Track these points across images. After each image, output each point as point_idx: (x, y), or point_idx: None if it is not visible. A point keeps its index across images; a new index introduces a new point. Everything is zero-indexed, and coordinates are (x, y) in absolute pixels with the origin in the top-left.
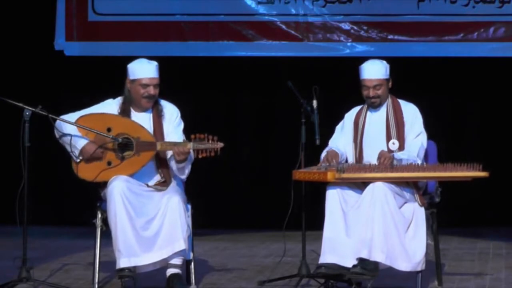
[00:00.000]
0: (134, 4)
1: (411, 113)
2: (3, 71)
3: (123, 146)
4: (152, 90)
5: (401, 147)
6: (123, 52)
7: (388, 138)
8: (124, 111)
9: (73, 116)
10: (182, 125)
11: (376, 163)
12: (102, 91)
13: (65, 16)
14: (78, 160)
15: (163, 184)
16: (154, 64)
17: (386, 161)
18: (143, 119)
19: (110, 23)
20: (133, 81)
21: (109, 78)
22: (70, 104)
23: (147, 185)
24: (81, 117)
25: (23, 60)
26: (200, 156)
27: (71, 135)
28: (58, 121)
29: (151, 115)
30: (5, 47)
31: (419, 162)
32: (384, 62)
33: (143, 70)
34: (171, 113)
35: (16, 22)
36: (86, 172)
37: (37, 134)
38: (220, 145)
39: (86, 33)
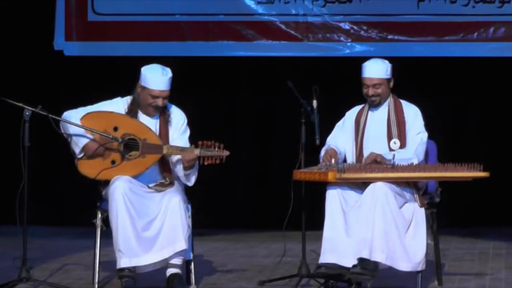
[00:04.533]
0: (134, 4)
1: (412, 113)
2: (3, 71)
3: (128, 147)
4: (160, 102)
5: (402, 146)
6: (122, 52)
7: (389, 137)
8: (131, 112)
9: (80, 112)
10: (188, 132)
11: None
12: (101, 91)
13: (65, 16)
14: (80, 156)
15: (164, 185)
16: (167, 76)
17: (377, 159)
18: (149, 123)
19: (110, 23)
20: (144, 88)
21: (109, 78)
22: (69, 104)
23: (148, 187)
24: (88, 114)
25: (22, 60)
26: (206, 163)
27: (74, 132)
28: (63, 117)
29: (158, 120)
30: (5, 47)
31: (416, 160)
32: (386, 61)
33: (155, 81)
34: (178, 119)
35: (16, 22)
36: (87, 168)
37: (37, 134)
38: (226, 153)
39: (85, 33)
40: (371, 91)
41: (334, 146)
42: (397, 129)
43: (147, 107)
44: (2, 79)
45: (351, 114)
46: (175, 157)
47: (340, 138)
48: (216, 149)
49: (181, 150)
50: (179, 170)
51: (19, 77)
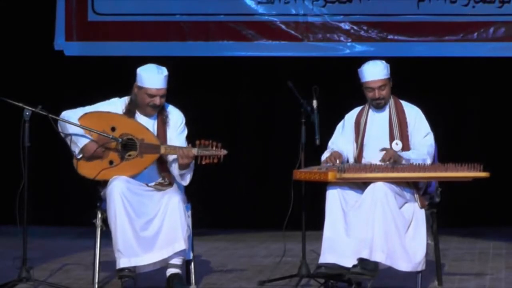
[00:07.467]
0: (134, 4)
1: (414, 114)
2: (3, 71)
3: (126, 147)
4: (157, 101)
5: (404, 148)
6: (123, 52)
7: (391, 138)
8: (129, 112)
9: (78, 112)
10: (185, 132)
11: (379, 160)
12: (101, 91)
13: (65, 16)
14: (79, 157)
15: (163, 185)
16: (163, 74)
17: (392, 159)
18: (147, 123)
19: (110, 23)
20: (140, 88)
21: (109, 78)
22: (70, 104)
23: (147, 185)
24: (86, 114)
25: (23, 60)
26: (203, 163)
27: (72, 133)
28: (61, 117)
29: (156, 120)
30: (5, 47)
31: (429, 160)
32: (384, 61)
33: (151, 80)
34: (176, 119)
35: (16, 22)
36: (86, 169)
37: (37, 134)
38: (223, 152)
39: (86, 33)
40: (377, 94)
41: (338, 149)
42: (399, 130)
43: (145, 107)
44: (2, 79)
45: (350, 116)
46: (171, 156)
47: (341, 142)
48: (214, 148)
49: (179, 149)
50: (174, 169)
51: (19, 77)
